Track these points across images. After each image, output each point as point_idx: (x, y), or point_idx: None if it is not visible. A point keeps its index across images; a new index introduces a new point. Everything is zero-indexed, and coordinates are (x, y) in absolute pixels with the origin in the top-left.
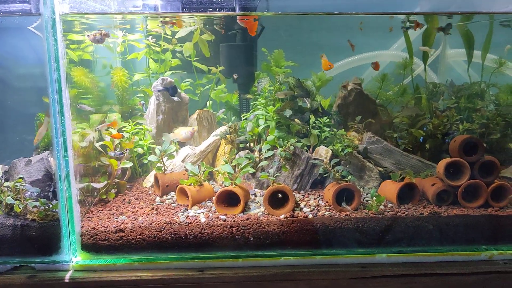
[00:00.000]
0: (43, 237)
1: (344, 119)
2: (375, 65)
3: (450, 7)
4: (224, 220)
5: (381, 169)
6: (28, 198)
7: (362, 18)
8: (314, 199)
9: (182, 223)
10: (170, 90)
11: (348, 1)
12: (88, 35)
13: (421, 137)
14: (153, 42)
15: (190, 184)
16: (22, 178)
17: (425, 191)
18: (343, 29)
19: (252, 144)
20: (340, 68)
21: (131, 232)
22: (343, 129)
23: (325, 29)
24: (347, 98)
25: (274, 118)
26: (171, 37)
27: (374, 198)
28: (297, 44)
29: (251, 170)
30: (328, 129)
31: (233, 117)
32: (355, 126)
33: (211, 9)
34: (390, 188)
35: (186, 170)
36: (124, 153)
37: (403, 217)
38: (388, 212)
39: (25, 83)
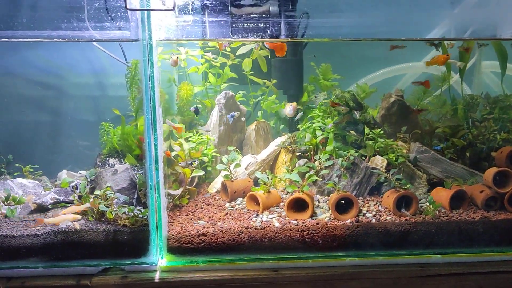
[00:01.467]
0: (133, 241)
1: (392, 130)
2: (425, 84)
3: (469, 28)
4: (296, 225)
5: (427, 176)
6: (119, 205)
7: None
8: (374, 205)
9: (258, 227)
10: (195, 111)
11: (386, 25)
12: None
13: (461, 146)
14: (212, 58)
15: (260, 191)
16: (110, 186)
17: (473, 197)
18: (378, 42)
19: (309, 154)
20: (375, 78)
21: (212, 236)
22: (392, 139)
23: (362, 42)
24: (390, 109)
25: (332, 129)
26: (229, 53)
27: (431, 204)
28: (338, 56)
29: (317, 178)
30: (382, 139)
31: (282, 126)
32: (402, 136)
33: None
34: (442, 195)
35: (250, 177)
36: (193, 163)
37: (457, 221)
38: (443, 217)
39: (88, 92)
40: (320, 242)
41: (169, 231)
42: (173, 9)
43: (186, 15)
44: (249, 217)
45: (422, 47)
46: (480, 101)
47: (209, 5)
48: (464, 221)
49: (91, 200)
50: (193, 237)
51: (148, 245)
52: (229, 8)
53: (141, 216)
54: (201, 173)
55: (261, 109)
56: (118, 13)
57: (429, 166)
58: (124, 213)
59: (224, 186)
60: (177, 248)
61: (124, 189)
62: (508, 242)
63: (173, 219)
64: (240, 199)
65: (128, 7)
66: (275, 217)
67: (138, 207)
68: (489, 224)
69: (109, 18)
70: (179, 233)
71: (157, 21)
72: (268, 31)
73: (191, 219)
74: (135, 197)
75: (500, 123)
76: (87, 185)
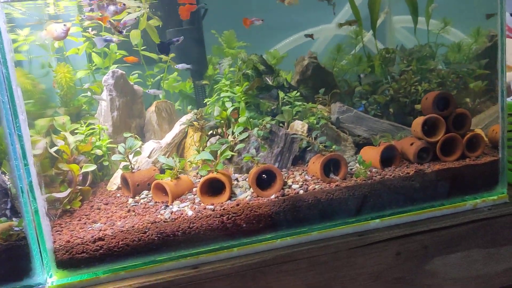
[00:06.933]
0: (10, 260)
1: (309, 92)
2: None
3: None
4: (213, 210)
5: (352, 137)
6: None
7: None
8: (300, 174)
9: (168, 220)
10: None
11: None
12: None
13: (383, 102)
14: (93, 34)
15: (167, 179)
16: None
17: (404, 151)
18: (286, 7)
19: (221, 130)
20: (289, 44)
21: (112, 238)
22: (310, 103)
23: (270, 6)
24: (305, 72)
25: (243, 98)
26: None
27: (361, 165)
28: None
29: (231, 153)
30: (300, 103)
31: (189, 106)
32: (321, 98)
33: None
34: (371, 154)
35: (155, 165)
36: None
37: (391, 179)
38: (376, 176)
39: None
40: (244, 225)
41: (55, 242)
42: None
43: None
44: (157, 210)
45: (329, 9)
46: (397, 53)
47: None
48: (398, 178)
49: None
50: (87, 244)
51: (30, 263)
52: None
53: (17, 228)
54: (93, 167)
55: (161, 89)
56: None
57: (353, 126)
58: None
59: (124, 180)
60: (68, 261)
61: None
62: (447, 194)
63: (62, 227)
64: (145, 192)
65: None
66: (187, 205)
67: (14, 219)
68: (425, 178)
69: None
70: (69, 242)
71: None
72: None
73: (84, 223)
74: (8, 206)
75: (420, 74)
76: None
